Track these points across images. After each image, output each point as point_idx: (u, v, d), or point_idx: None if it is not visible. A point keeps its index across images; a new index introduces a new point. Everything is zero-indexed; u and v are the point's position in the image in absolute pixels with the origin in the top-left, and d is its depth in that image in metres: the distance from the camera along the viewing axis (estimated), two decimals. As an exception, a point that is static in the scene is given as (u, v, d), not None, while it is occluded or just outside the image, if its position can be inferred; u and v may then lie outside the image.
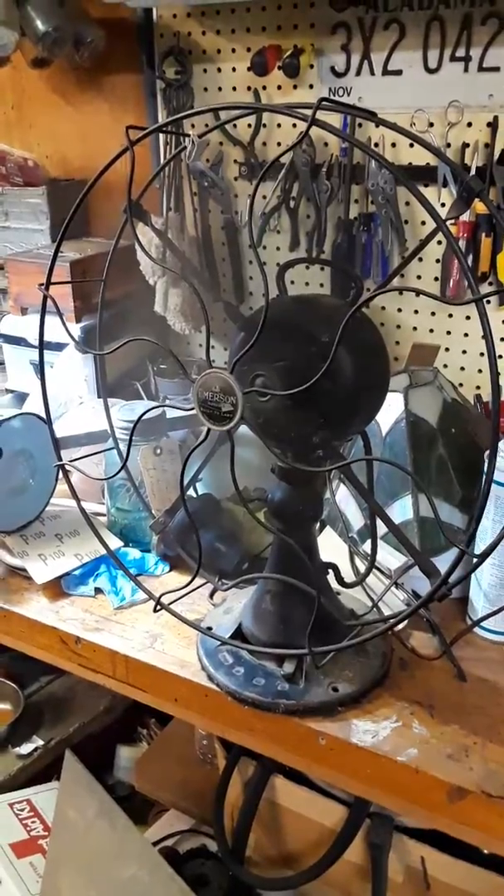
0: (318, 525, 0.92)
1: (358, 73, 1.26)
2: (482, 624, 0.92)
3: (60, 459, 0.89)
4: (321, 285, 1.40)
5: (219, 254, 1.47)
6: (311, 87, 1.30)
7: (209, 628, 0.92)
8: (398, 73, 1.23)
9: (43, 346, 0.86)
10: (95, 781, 1.28)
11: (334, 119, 1.27)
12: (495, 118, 1.18)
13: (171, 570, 1.07)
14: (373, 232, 1.29)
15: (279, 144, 1.36)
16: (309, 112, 0.58)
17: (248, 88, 1.35)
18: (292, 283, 1.39)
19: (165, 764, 1.50)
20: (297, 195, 1.33)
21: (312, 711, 0.83)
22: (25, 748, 1.47)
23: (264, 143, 1.36)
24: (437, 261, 1.28)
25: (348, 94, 1.27)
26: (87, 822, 1.25)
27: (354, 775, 0.81)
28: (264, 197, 1.35)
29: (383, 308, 1.36)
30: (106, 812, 1.24)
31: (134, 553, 1.09)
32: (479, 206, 1.20)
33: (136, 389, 1.41)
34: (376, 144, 1.26)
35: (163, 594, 0.88)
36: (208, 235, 1.45)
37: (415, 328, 1.35)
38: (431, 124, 1.22)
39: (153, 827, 1.44)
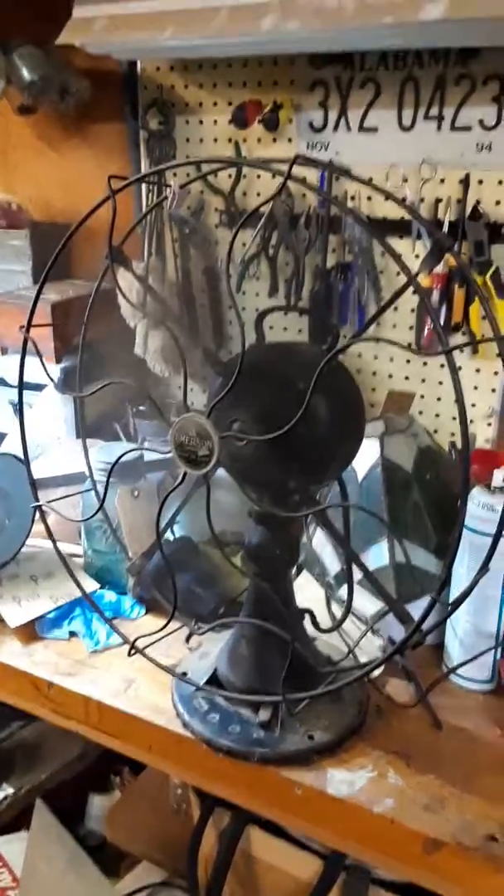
0: (294, 569, 0.91)
1: (335, 128, 1.29)
2: (458, 672, 0.91)
3: (37, 500, 0.88)
4: (299, 331, 1.42)
5: (199, 299, 1.49)
6: (289, 140, 1.33)
7: (184, 673, 0.91)
8: (374, 129, 1.27)
9: (22, 387, 0.86)
10: (66, 832, 1.25)
11: (312, 173, 1.30)
12: (467, 175, 1.21)
13: (146, 614, 1.06)
14: (349, 280, 1.32)
15: (258, 195, 1.39)
16: (285, 168, 0.59)
17: (229, 140, 1.38)
18: (271, 328, 1.41)
19: (138, 814, 1.46)
20: (276, 243, 1.36)
21: (288, 760, 0.82)
22: (-6, 796, 1.43)
23: (244, 193, 1.39)
24: (412, 310, 1.31)
25: (325, 149, 1.31)
26: (56, 874, 1.21)
27: (330, 827, 0.80)
28: (244, 244, 1.37)
29: (359, 355, 1.38)
30: (76, 864, 1.21)
31: (110, 596, 1.08)
32: (453, 259, 1.23)
33: (115, 430, 1.41)
34: (353, 197, 1.29)
35: (137, 638, 0.87)
36: (188, 281, 1.47)
37: (390, 375, 1.37)
38: (406, 179, 1.25)
39: (125, 879, 1.39)
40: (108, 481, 0.84)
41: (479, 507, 0.88)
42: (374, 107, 1.26)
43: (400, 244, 1.28)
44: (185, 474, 0.74)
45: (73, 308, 1.39)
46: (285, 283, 1.38)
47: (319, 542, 1.07)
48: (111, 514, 1.00)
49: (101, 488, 0.88)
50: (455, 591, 0.91)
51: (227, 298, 1.46)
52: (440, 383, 1.33)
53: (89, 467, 0.96)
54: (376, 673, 0.91)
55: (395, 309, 1.31)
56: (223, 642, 0.92)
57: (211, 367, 0.80)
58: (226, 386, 0.68)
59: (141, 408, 1.46)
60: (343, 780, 0.80)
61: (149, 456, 1.11)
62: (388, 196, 0.66)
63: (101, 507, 0.87)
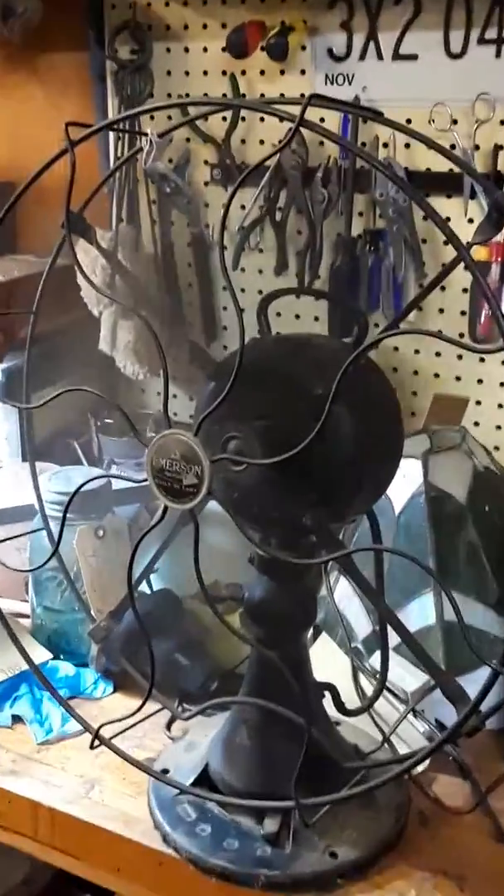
0: (310, 632, 0.92)
1: (362, 56, 1.31)
2: (528, 766, 0.91)
3: (-29, 544, 0.88)
4: (315, 319, 1.43)
5: (184, 278, 1.50)
6: (302, 72, 1.35)
7: (165, 771, 0.91)
8: (412, 57, 1.28)
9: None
10: None
11: (333, 115, 1.31)
12: (535, 114, 1.23)
13: (115, 692, 1.06)
14: (382, 253, 1.33)
15: (262, 143, 1.40)
16: (297, 111, 0.60)
17: (224, 74, 1.39)
18: (278, 315, 1.42)
19: None
20: (284, 205, 1.37)
21: (303, 885, 0.82)
22: None
23: (243, 141, 1.41)
24: (465, 290, 1.32)
25: (350, 83, 1.32)
26: None
27: None
28: (242, 207, 1.38)
29: (396, 349, 1.39)
30: None
31: (66, 668, 1.08)
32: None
33: (73, 451, 1.42)
34: (386, 145, 1.31)
35: (103, 725, 0.87)
36: (170, 254, 1.48)
37: (436, 375, 1.38)
38: (455, 121, 1.26)
39: None
40: (64, 518, 0.84)
41: None
42: (413, 28, 1.27)
43: (448, 205, 1.29)
44: (165, 509, 0.74)
45: (19, 291, 1.40)
46: (297, 257, 1.39)
47: (343, 596, 1.07)
48: (68, 560, 1.01)
49: (55, 527, 0.88)
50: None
51: (221, 277, 1.47)
52: (502, 385, 1.34)
53: (39, 499, 0.96)
54: (420, 769, 0.91)
55: (443, 289, 1.32)
56: (216, 730, 0.92)
57: (200, 367, 0.80)
58: (220, 393, 0.69)
59: (107, 421, 1.46)
60: (376, 911, 0.80)
61: (117, 484, 1.10)
62: (432, 144, 0.67)
63: (55, 552, 0.87)
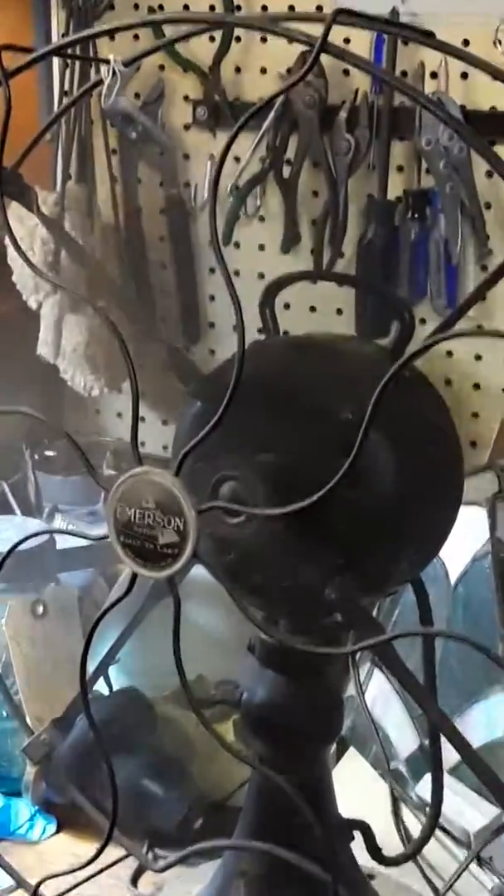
0: (333, 748, 0.92)
1: (403, -48, 1.32)
2: None
3: None
4: (339, 313, 1.43)
5: (155, 255, 1.50)
6: (320, -27, 1.36)
7: (130, 945, 0.90)
8: (471, -46, 1.30)
9: None
10: None
11: (362, 35, 1.31)
12: None
13: (59, 832, 1.06)
14: (430, 222, 1.34)
15: (263, 71, 1.41)
16: (315, 30, 0.60)
17: (211, -25, 1.42)
18: (286, 308, 1.40)
19: None
20: (295, 157, 1.38)
21: None
22: None
23: (237, 69, 1.42)
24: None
25: (385, -10, 1.33)
26: None
27: None
28: (237, 159, 1.39)
29: (450, 354, 1.39)
30: None
31: (-8, 799, 1.08)
32: None
33: (0, 494, 1.42)
34: (434, 75, 1.32)
35: (44, 880, 0.86)
36: (136, 224, 1.49)
37: (505, 390, 1.38)
38: (530, 42, 1.28)
39: None
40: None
41: None
42: None
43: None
44: (134, 577, 0.74)
45: None
46: (313, 228, 1.40)
47: (379, 697, 1.07)
48: (-4, 647, 1.02)
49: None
50: None
51: (207, 255, 1.48)
52: None
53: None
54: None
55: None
56: (201, 886, 0.91)
57: (180, 380, 0.80)
58: (209, 417, 0.68)
59: (48, 453, 1.47)
60: None
61: (63, 541, 1.12)
62: (498, 74, 0.67)
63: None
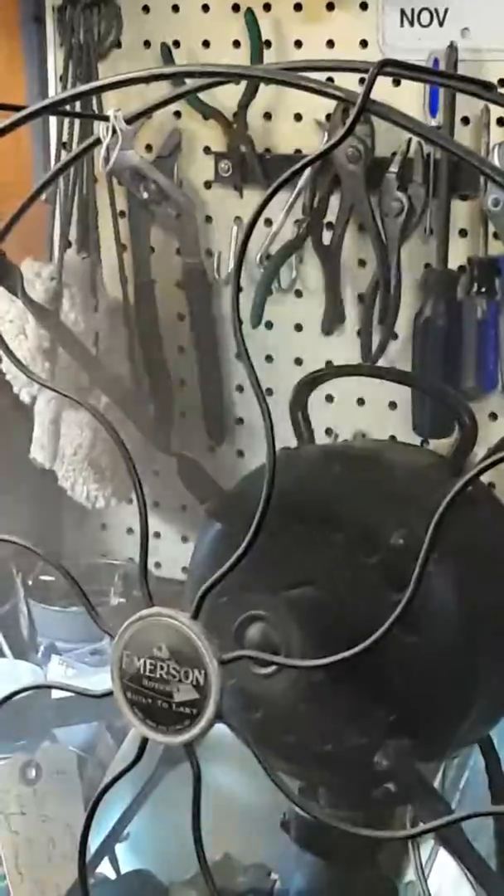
0: None
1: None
2: None
3: None
4: (391, 406, 1.42)
5: (171, 339, 1.50)
6: (363, 6, 1.36)
7: None
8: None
9: None
10: None
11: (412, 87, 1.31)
12: None
13: None
14: (500, 297, 1.32)
15: (299, 119, 1.41)
16: (357, 84, 0.59)
17: (235, 9, 1.41)
18: (329, 400, 1.41)
19: None
20: (337, 220, 1.37)
21: None
22: None
23: (267, 116, 1.42)
24: None
25: (440, 22, 1.32)
26: None
27: None
28: (269, 222, 1.39)
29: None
30: None
31: None
32: None
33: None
34: (501, 121, 1.31)
35: None
36: (149, 301, 1.49)
37: None
38: None
39: None
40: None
41: None
42: None
43: None
44: (144, 743, 0.72)
45: None
46: (359, 303, 1.39)
47: (446, 883, 1.04)
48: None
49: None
50: None
51: (232, 338, 1.47)
52: None
53: None
54: None
55: None
56: None
57: (197, 496, 0.79)
58: (232, 543, 0.67)
59: (43, 578, 1.46)
60: None
61: (58, 693, 1.10)
62: None
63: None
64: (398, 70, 0.64)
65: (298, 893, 0.83)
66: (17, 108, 0.72)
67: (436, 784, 0.81)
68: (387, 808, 0.79)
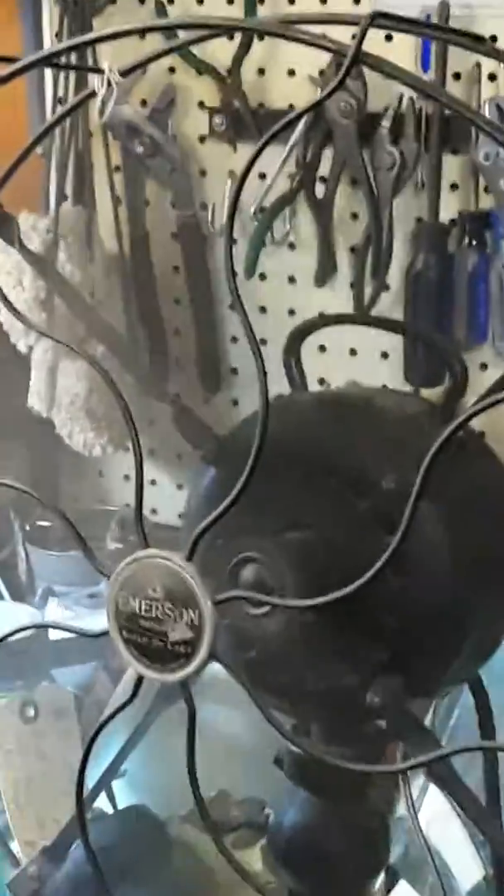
0: (380, 880, 0.92)
1: None
2: None
3: None
4: (384, 357, 1.44)
5: (168, 290, 1.51)
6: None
7: None
8: None
9: None
10: None
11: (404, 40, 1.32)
12: None
13: None
14: (491, 249, 1.34)
15: (291, 73, 1.43)
16: (349, 35, 0.61)
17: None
18: (322, 350, 1.44)
19: None
20: (330, 173, 1.38)
21: None
22: None
23: (260, 71, 1.43)
24: None
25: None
26: None
27: None
28: (262, 176, 1.40)
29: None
30: None
31: None
32: None
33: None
34: (493, 77, 1.32)
35: None
36: (144, 253, 1.50)
37: None
38: None
39: None
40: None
41: None
42: None
43: None
44: (139, 681, 0.74)
45: None
46: (351, 255, 1.41)
47: (436, 818, 1.07)
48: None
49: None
50: None
51: (226, 290, 1.48)
52: None
53: None
54: None
55: None
56: None
57: (190, 441, 0.81)
58: (227, 486, 0.69)
59: (41, 524, 1.47)
60: None
61: (56, 633, 1.12)
62: None
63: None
64: (390, 22, 0.65)
65: (291, 827, 0.84)
66: (12, 60, 0.73)
67: (426, 722, 0.81)
68: (378, 744, 0.79)
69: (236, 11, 1.41)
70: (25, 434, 1.49)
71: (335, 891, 0.85)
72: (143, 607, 0.71)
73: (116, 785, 1.05)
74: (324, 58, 1.34)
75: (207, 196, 1.49)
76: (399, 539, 0.66)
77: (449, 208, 1.36)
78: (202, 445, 0.81)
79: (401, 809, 1.06)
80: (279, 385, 0.81)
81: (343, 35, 0.64)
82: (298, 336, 0.83)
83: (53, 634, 1.13)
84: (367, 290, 1.40)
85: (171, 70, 1.47)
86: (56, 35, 1.50)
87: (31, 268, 1.34)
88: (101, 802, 1.05)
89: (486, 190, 1.34)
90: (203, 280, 1.50)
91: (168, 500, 1.52)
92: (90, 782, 0.85)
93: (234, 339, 1.52)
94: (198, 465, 0.81)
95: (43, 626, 1.05)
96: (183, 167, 1.46)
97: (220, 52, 1.43)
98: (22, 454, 1.49)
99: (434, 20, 1.25)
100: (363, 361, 1.44)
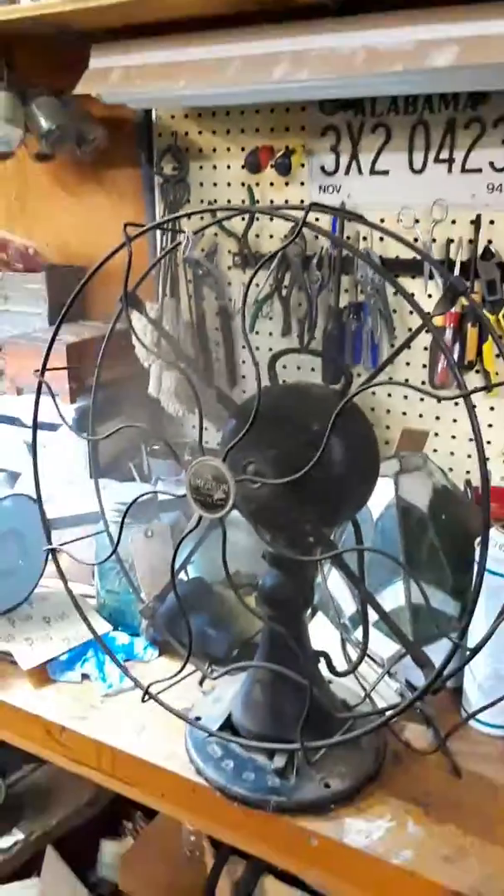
0: (309, 611, 0.90)
1: (347, 172, 1.31)
2: (478, 717, 0.89)
3: (51, 543, 0.88)
4: (312, 370, 1.42)
5: (212, 338, 1.50)
6: (302, 184, 1.35)
7: (198, 718, 0.90)
8: (385, 173, 1.29)
9: (37, 428, 0.86)
10: (77, 880, 1.22)
11: (324, 216, 1.31)
12: (478, 216, 1.22)
13: (160, 656, 1.04)
14: (362, 320, 1.32)
15: (271, 237, 1.40)
16: (299, 214, 0.60)
17: (242, 185, 1.40)
18: (284, 367, 1.40)
19: (151, 862, 1.43)
20: (289, 284, 1.37)
21: (304, 810, 0.80)
22: (5, 841, 1.40)
23: (257, 235, 1.41)
24: (425, 348, 1.31)
25: (337, 192, 1.32)
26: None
27: (347, 878, 0.77)
28: (257, 285, 1.39)
29: (373, 393, 1.38)
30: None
31: (122, 638, 1.06)
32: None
33: (129, 471, 1.41)
34: (365, 238, 1.31)
35: (151, 683, 0.86)
36: (202, 320, 1.48)
37: (404, 413, 1.36)
38: (417, 221, 1.26)
39: (136, 930, 1.36)
40: (122, 523, 0.83)
41: (496, 548, 0.87)
42: (385, 150, 1.28)
43: (412, 284, 1.28)
44: (200, 517, 0.73)
45: (87, 349, 1.40)
46: (298, 323, 1.39)
47: (334, 583, 1.06)
48: (125, 555, 1.00)
49: (115, 530, 0.88)
50: (473, 635, 0.89)
51: (241, 338, 1.47)
52: (454, 421, 1.33)
53: (102, 509, 0.95)
54: (395, 719, 0.89)
55: (409, 348, 1.32)
56: (237, 686, 0.91)
57: (224, 407, 0.80)
58: (241, 429, 0.69)
59: (155, 447, 1.46)
60: (361, 830, 0.78)
61: (162, 497, 1.10)
62: (399, 239, 0.66)
63: (115, 550, 0.86)
64: (319, 208, 0.64)
65: (271, 586, 0.83)
66: (142, 226, 0.74)
67: (332, 538, 0.80)
68: (310, 548, 0.79)
69: (246, 195, 1.38)
70: (148, 406, 1.46)
71: (289, 616, 0.84)
72: (202, 483, 0.71)
73: (189, 568, 1.05)
74: (288, 225, 1.32)
75: (232, 295, 1.46)
76: (320, 452, 0.66)
77: (344, 300, 1.34)
78: (229, 409, 0.81)
79: (319, 579, 1.06)
80: (263, 383, 0.79)
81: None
82: (273, 360, 0.82)
83: (161, 497, 1.12)
84: (306, 338, 1.38)
85: (216, 235, 1.44)
86: (162, 216, 1.46)
87: (149, 328, 1.33)
88: (182, 576, 1.04)
89: (361, 292, 1.32)
90: (229, 334, 1.48)
91: (213, 438, 1.50)
92: (176, 566, 0.85)
93: (244, 362, 1.49)
94: (226, 419, 0.80)
95: (155, 493, 1.04)
96: (220, 281, 1.44)
97: (238, 226, 1.41)
98: (145, 415, 1.47)
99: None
100: (303, 374, 1.42)
